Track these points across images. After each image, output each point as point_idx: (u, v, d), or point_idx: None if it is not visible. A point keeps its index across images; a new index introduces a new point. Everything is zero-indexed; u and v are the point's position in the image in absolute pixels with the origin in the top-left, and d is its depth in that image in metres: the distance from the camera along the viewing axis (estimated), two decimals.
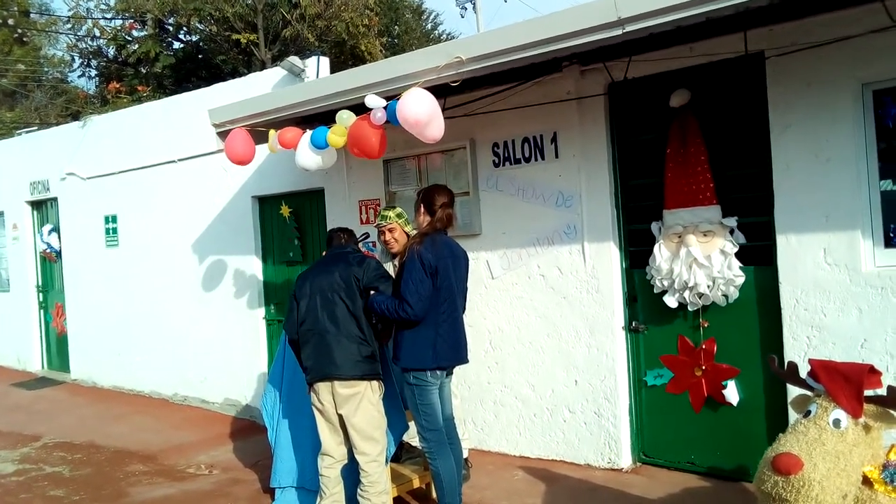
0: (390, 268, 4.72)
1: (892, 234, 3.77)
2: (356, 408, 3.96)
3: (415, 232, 4.32)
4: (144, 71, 12.90)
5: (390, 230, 4.66)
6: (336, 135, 4.34)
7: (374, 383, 4.04)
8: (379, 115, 4.05)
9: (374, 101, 4.06)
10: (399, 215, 4.67)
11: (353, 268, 4.05)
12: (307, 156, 4.55)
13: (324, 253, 4.53)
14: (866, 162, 3.81)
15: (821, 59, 3.84)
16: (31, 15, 20.53)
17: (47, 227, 9.50)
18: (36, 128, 11.48)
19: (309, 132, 4.54)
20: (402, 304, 3.83)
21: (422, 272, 3.84)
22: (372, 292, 4.02)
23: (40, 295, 9.97)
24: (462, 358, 4.12)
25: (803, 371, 2.94)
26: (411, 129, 3.96)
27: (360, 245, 4.47)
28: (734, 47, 4.02)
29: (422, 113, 3.89)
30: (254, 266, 7.01)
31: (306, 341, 4.08)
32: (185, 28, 12.62)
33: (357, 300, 4.01)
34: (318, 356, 4.00)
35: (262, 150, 5.23)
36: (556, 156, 4.91)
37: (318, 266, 4.24)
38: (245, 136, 4.97)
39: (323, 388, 3.99)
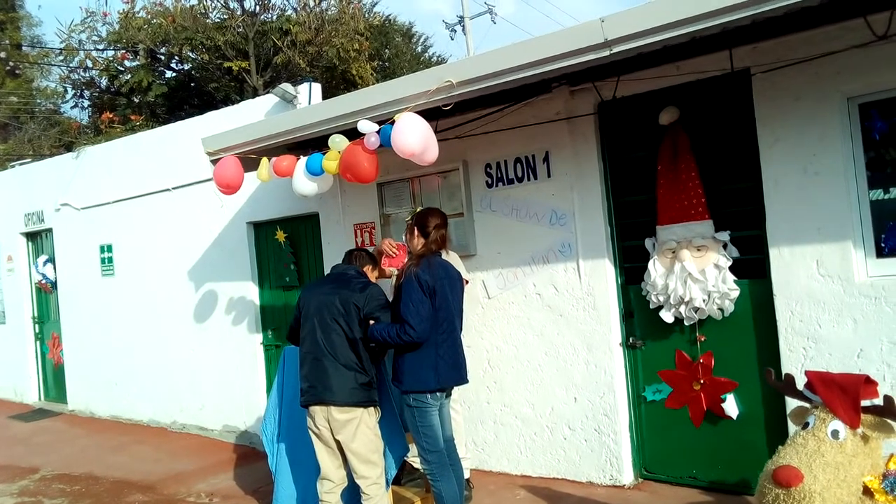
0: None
1: (883, 245, 3.81)
2: (354, 433, 3.96)
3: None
4: (137, 100, 12.93)
5: None
6: (331, 160, 4.36)
7: (371, 409, 4.04)
8: (373, 140, 4.08)
9: (367, 126, 4.09)
10: None
11: (355, 294, 4.03)
12: (303, 183, 4.58)
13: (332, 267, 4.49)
14: (854, 174, 3.85)
15: (806, 75, 3.90)
16: (24, 48, 20.66)
17: (42, 258, 9.51)
18: (29, 159, 11.48)
19: (304, 159, 4.56)
20: (404, 327, 3.83)
21: (420, 293, 3.86)
22: (371, 322, 4.00)
23: (36, 326, 9.94)
24: (463, 378, 4.13)
25: (800, 383, 2.96)
26: (409, 158, 4.00)
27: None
28: (720, 65, 4.09)
29: (416, 143, 3.92)
30: (250, 292, 7.02)
31: (304, 363, 4.09)
32: (177, 57, 12.68)
33: (355, 327, 4.00)
34: (313, 380, 4.00)
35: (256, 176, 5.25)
36: (549, 175, 4.95)
37: (321, 285, 4.23)
38: (235, 164, 4.95)
39: (318, 411, 3.99)
